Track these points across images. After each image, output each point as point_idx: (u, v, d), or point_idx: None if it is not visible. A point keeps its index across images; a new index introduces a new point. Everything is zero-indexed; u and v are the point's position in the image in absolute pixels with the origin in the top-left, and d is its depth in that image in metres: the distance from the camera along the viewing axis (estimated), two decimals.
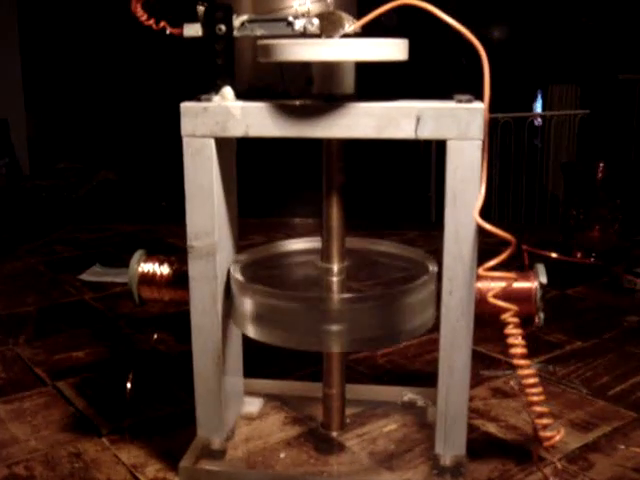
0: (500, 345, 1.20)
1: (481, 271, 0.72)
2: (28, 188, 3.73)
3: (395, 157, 3.81)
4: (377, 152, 3.37)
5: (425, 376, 1.14)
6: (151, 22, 0.85)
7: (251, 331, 0.79)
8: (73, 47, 4.56)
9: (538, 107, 4.83)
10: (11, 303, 1.61)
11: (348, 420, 0.95)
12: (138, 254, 0.88)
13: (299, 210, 2.33)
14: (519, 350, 0.71)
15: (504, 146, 3.63)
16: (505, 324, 0.73)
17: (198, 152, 0.78)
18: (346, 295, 0.80)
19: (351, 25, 0.76)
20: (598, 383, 1.13)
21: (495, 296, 0.72)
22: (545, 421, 0.76)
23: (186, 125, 0.78)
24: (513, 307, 0.71)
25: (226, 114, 0.77)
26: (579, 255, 1.82)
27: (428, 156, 3.70)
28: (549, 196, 3.70)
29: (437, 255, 0.81)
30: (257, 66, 0.78)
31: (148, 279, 0.86)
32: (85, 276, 1.79)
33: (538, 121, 3.99)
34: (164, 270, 0.86)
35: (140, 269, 0.86)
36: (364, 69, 0.79)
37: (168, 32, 0.85)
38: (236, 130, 0.77)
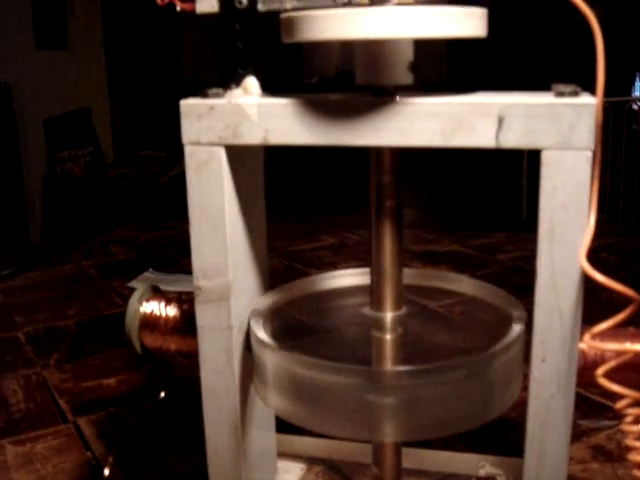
0: None
1: (588, 339, 0.50)
2: (111, 177, 3.68)
3: None
4: None
5: (514, 426, 0.91)
6: None
7: (273, 403, 0.59)
8: (155, 35, 4.50)
9: (637, 91, 4.54)
10: (53, 314, 1.50)
11: None
12: (140, 290, 0.69)
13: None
14: None
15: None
16: (622, 415, 0.51)
17: (204, 165, 0.59)
18: (403, 368, 0.57)
19: None
20: None
21: (607, 374, 0.50)
22: None
23: (188, 129, 0.58)
24: (633, 394, 0.49)
25: (239, 115, 0.57)
26: None
27: None
28: None
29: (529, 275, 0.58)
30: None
31: (152, 323, 0.67)
32: (135, 283, 1.66)
33: (638, 105, 3.67)
34: (170, 312, 0.67)
35: (142, 309, 0.68)
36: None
37: (178, 9, 0.66)
38: (252, 136, 0.57)
